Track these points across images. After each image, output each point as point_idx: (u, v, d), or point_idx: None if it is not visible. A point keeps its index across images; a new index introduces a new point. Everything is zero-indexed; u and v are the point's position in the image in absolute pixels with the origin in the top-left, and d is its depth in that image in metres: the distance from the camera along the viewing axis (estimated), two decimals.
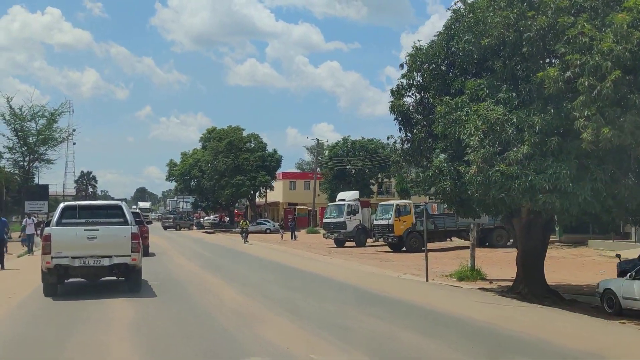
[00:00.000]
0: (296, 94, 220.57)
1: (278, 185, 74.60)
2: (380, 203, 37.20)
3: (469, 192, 12.85)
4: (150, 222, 71.48)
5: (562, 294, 14.86)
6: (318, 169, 68.29)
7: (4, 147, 53.54)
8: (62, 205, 14.82)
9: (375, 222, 34.57)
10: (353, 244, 37.29)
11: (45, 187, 56.76)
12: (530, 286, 14.36)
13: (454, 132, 13.05)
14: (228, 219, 75.10)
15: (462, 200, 14.07)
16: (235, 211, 78.01)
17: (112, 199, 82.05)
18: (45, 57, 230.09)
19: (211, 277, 18.33)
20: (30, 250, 27.93)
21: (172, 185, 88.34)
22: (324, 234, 39.21)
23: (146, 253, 26.76)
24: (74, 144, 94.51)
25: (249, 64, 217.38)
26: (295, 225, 49.15)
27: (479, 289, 16.31)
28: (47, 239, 13.48)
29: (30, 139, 53.22)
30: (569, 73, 11.36)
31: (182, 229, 71.15)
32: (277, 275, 18.98)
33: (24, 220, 31.41)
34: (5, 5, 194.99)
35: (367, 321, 10.78)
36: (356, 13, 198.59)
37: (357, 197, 40.73)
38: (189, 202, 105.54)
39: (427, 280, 17.68)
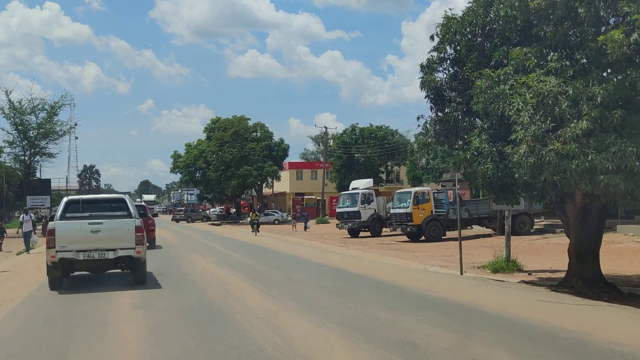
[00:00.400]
0: (298, 84, 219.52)
1: (285, 175, 73.38)
2: (397, 191, 35.73)
3: (516, 175, 11.39)
4: (156, 215, 70.74)
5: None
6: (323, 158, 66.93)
7: (4, 141, 52.41)
8: (65, 199, 14.84)
9: (392, 211, 33.15)
10: (367, 233, 35.93)
11: (48, 181, 55.77)
12: (585, 280, 12.88)
13: (497, 109, 11.57)
14: (234, 210, 73.86)
15: (503, 185, 12.59)
16: (242, 202, 76.73)
17: (116, 192, 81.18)
18: (46, 52, 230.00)
19: (229, 275, 16.88)
20: (27, 249, 26.54)
21: (177, 177, 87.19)
22: (337, 224, 37.81)
23: (152, 246, 25.89)
24: (77, 138, 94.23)
25: (250, 55, 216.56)
26: (307, 215, 47.85)
27: (521, 282, 14.84)
28: (51, 233, 13.63)
29: (31, 132, 52.01)
30: (635, 35, 9.91)
31: (195, 222, 70.75)
32: (301, 271, 17.32)
33: (21, 216, 29.91)
34: (4, 0, 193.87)
35: (434, 335, 8.67)
36: (356, 2, 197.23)
37: (372, 185, 39.30)
38: (193, 194, 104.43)
39: (461, 273, 16.23)
